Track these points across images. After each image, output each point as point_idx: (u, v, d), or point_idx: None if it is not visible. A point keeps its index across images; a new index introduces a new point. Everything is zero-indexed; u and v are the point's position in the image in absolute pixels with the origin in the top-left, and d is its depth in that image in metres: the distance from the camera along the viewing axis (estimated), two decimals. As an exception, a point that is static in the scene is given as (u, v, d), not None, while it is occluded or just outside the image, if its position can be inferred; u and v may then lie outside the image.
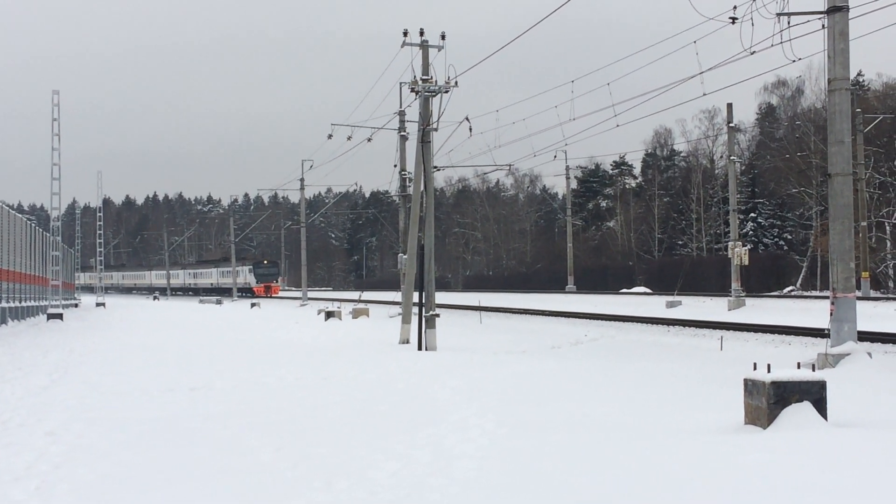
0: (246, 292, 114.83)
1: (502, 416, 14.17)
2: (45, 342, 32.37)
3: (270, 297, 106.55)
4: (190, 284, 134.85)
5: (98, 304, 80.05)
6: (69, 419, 14.31)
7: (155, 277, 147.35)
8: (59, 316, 49.60)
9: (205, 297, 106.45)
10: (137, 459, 11.20)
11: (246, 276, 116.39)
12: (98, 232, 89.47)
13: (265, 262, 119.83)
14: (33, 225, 53.75)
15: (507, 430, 12.91)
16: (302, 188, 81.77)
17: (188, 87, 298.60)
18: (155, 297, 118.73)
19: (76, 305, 79.23)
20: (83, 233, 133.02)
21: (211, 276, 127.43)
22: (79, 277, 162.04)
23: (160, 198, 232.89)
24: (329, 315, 48.62)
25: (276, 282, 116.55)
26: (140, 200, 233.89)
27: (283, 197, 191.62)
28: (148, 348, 29.43)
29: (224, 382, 19.40)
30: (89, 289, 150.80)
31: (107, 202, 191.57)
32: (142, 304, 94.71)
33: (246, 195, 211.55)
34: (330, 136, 47.46)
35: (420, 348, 28.73)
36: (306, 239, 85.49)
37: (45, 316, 50.80)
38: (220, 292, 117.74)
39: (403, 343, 31.17)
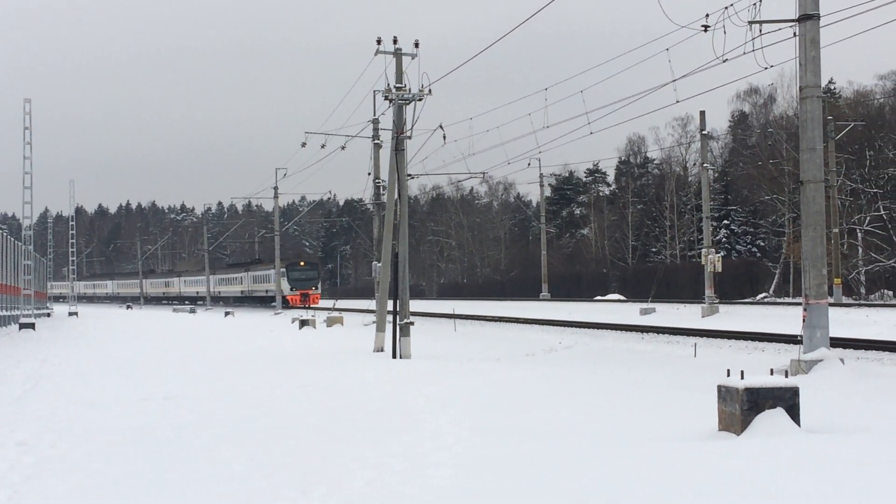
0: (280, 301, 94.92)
1: (477, 424, 14.16)
2: (16, 352, 32.15)
3: (308, 307, 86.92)
4: (217, 293, 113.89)
5: (70, 314, 79.60)
6: (41, 429, 14.20)
7: (184, 285, 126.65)
8: (32, 325, 49.30)
9: (178, 307, 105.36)
10: (110, 470, 11.13)
11: (275, 281, 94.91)
12: (71, 241, 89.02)
13: (302, 263, 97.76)
14: (5, 234, 53.39)
15: (481, 438, 12.90)
16: (276, 196, 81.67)
17: (160, 95, 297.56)
18: (128, 307, 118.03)
19: (48, 315, 78.74)
20: (55, 242, 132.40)
21: (241, 283, 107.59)
22: (93, 286, 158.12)
23: (133, 206, 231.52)
24: (303, 323, 48.54)
25: (316, 288, 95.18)
26: (113, 209, 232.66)
27: (256, 205, 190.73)
28: (121, 358, 29.26)
29: (197, 391, 19.33)
30: (117, 297, 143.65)
31: (79, 211, 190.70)
32: (114, 313, 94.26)
33: (220, 203, 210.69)
34: (304, 145, 47.35)
35: (395, 356, 28.68)
36: (280, 247, 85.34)
37: (17, 326, 50.48)
38: (254, 302, 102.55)
39: (378, 351, 31.15)
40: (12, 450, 12.52)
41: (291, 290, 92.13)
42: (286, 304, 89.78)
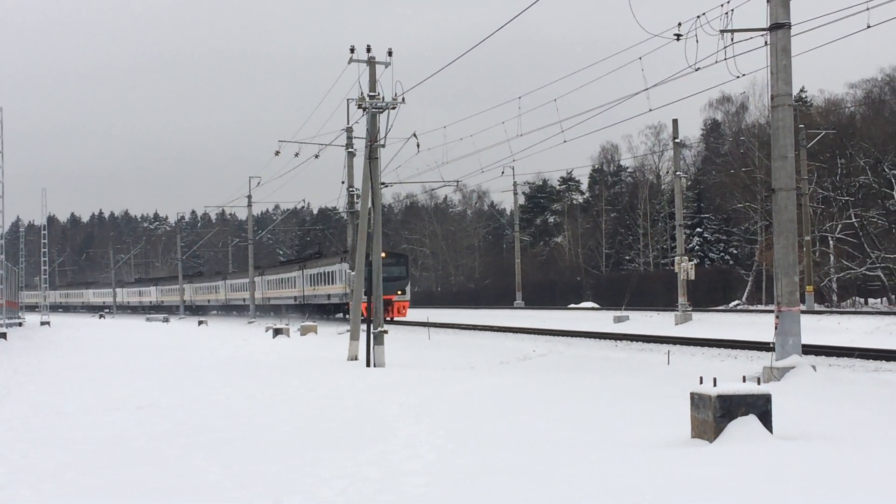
0: (344, 311, 66.12)
1: (451, 432, 14.16)
2: (-12, 362, 31.93)
3: (392, 320, 60.86)
4: (267, 300, 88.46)
5: (42, 323, 79.13)
6: (13, 439, 14.12)
7: (230, 290, 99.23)
8: (3, 335, 48.98)
9: (152, 315, 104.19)
10: (82, 480, 11.07)
11: (346, 279, 61.94)
12: (43, 250, 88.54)
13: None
14: (-24, 243, 53.10)
15: (455, 446, 12.91)
16: (249, 205, 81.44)
17: (133, 105, 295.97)
18: (101, 316, 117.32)
19: (20, 324, 78.17)
20: (27, 251, 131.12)
21: (294, 286, 79.57)
22: (118, 294, 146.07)
23: (106, 215, 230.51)
24: (277, 332, 48.44)
25: (403, 292, 65.11)
26: (86, 218, 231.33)
27: (230, 214, 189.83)
28: (93, 367, 29.11)
29: (171, 401, 19.25)
30: (140, 307, 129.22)
31: (52, 220, 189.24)
32: (87, 322, 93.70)
33: (193, 212, 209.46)
34: (277, 153, 47.28)
35: (369, 365, 28.65)
36: (254, 256, 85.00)
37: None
38: (313, 312, 75.19)
39: (352, 359, 31.09)
40: (-16, 460, 12.45)
41: (367, 293, 65.76)
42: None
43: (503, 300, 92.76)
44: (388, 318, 59.71)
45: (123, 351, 38.32)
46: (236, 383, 22.72)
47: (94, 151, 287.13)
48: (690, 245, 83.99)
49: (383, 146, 31.03)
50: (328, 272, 71.65)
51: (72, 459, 12.40)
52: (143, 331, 64.83)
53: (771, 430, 12.39)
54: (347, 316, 62.75)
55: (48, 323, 79.43)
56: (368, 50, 31.39)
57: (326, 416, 16.45)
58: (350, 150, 44.86)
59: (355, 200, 45.42)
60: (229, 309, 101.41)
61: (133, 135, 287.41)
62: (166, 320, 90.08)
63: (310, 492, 10.22)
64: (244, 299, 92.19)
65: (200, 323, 73.95)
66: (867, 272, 66.59)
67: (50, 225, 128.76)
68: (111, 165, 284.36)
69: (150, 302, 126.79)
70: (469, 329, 49.17)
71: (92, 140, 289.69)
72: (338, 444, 13.21)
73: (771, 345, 21.58)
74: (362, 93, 31.01)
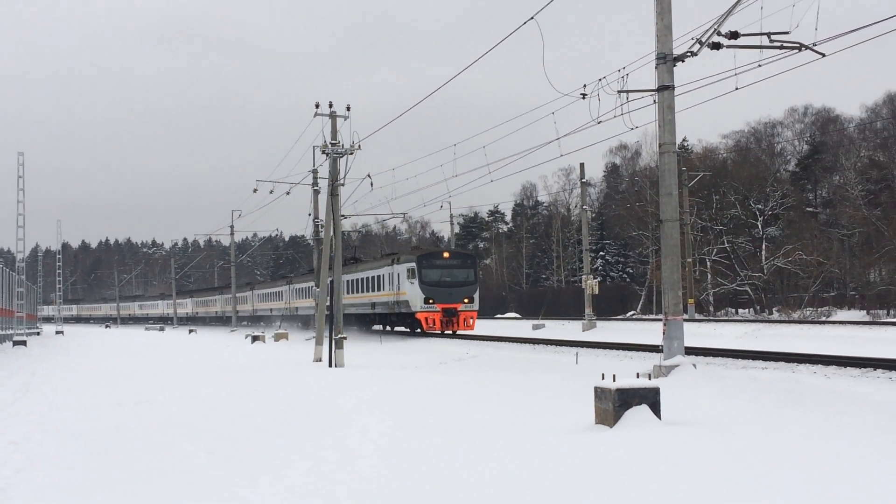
0: (402, 321, 48.50)
1: (399, 421, 14.10)
2: (10, 365, 31.31)
3: (455, 333, 43.80)
4: (294, 310, 69.80)
5: (57, 333, 77.74)
6: (30, 431, 13.85)
7: (257, 300, 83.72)
8: (24, 343, 48.10)
9: (150, 326, 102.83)
10: (89, 464, 10.89)
11: (399, 285, 46.12)
12: (58, 271, 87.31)
13: (446, 254, 46.16)
14: (1, 266, 52.08)
15: (402, 433, 12.85)
16: (232, 233, 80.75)
17: (136, 150, 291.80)
18: (107, 326, 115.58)
19: (38, 333, 76.77)
20: (44, 272, 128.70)
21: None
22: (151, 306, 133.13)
23: (111, 242, 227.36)
24: (255, 339, 48.00)
25: (470, 300, 44.86)
26: (94, 244, 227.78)
27: (216, 241, 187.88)
28: (100, 370, 28.65)
29: (165, 397, 18.99)
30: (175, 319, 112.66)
31: (65, 246, 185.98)
32: (95, 331, 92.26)
33: (185, 239, 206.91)
34: (255, 191, 46.92)
35: (331, 366, 28.48)
36: (236, 276, 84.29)
37: (11, 343, 49.18)
38: (351, 322, 53.69)
39: (317, 361, 30.88)
40: (4, 448, 12.20)
41: (427, 301, 44.05)
42: (418, 328, 45.41)
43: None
44: (452, 332, 44.07)
45: (125, 356, 37.77)
46: (219, 382, 22.46)
47: (102, 188, 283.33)
48: (595, 266, 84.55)
49: (343, 185, 31.01)
50: (374, 276, 50.34)
51: (80, 448, 12.19)
52: (141, 339, 63.93)
53: (660, 417, 12.48)
54: (396, 329, 50.43)
55: (62, 332, 78.06)
56: (331, 105, 31.47)
57: (294, 408, 16.30)
58: (315, 188, 44.70)
59: (320, 230, 45.18)
60: (256, 320, 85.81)
61: (136, 174, 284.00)
62: (162, 329, 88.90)
63: (279, 471, 10.13)
64: (271, 310, 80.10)
65: (191, 331, 73.07)
66: (737, 287, 67.49)
67: (64, 250, 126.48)
68: (116, 200, 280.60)
69: (186, 313, 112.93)
70: (413, 336, 48.95)
71: (101, 179, 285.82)
72: (303, 432, 13.10)
73: (660, 347, 21.71)
74: (325, 141, 30.99)
